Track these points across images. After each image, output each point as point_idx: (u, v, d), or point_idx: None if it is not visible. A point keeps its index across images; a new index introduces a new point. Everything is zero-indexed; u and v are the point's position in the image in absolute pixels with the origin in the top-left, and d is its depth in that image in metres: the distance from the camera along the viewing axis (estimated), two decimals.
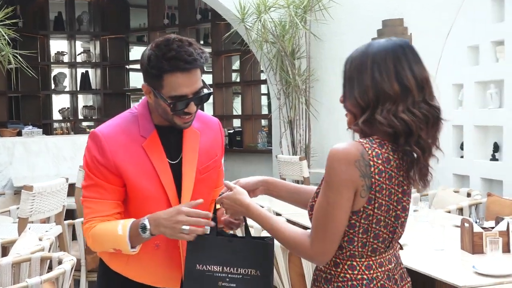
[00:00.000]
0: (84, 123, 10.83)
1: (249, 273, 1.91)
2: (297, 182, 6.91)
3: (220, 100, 9.48)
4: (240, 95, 9.66)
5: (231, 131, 9.20)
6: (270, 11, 6.67)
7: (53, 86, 10.42)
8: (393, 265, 1.78)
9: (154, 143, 2.02)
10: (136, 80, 10.80)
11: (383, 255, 1.76)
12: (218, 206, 2.02)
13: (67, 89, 10.76)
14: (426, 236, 3.53)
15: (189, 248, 1.95)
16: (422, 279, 2.95)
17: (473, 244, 3.16)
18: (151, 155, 2.01)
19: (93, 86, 10.77)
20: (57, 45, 10.91)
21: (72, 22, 10.51)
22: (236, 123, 10.06)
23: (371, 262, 1.74)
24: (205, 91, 1.99)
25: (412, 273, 3.17)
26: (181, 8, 9.95)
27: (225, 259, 1.92)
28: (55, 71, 10.80)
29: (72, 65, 10.66)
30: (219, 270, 1.92)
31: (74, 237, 4.48)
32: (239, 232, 2.53)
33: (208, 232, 1.92)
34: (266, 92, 9.71)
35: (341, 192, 1.65)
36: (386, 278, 1.75)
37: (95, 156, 1.98)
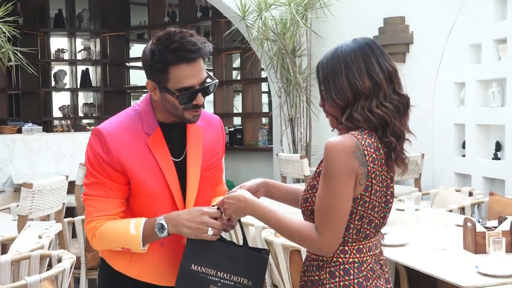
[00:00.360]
0: (85, 121, 10.82)
1: (242, 281, 1.94)
2: (298, 180, 6.90)
3: (220, 98, 9.46)
4: (240, 93, 9.64)
5: (232, 129, 9.18)
6: (271, 8, 6.65)
7: (53, 84, 10.40)
8: (379, 250, 1.89)
9: (158, 140, 2.01)
10: (137, 77, 10.78)
11: (372, 240, 1.86)
12: (213, 203, 2.03)
13: (67, 86, 10.74)
14: (428, 235, 3.51)
15: (188, 247, 1.95)
16: (424, 279, 2.94)
17: (476, 243, 3.13)
18: (155, 152, 1.99)
19: (94, 84, 10.75)
20: (57, 42, 10.89)
21: (72, 19, 10.49)
22: (237, 121, 10.04)
23: (361, 246, 1.83)
24: (211, 81, 1.98)
25: (414, 272, 3.15)
26: (182, 5, 9.93)
27: (220, 264, 1.94)
28: (55, 68, 10.78)
29: (73, 62, 10.64)
30: (213, 273, 1.94)
31: (74, 235, 4.46)
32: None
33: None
34: (266, 90, 9.69)
35: (344, 181, 1.74)
36: (374, 262, 1.85)
37: (99, 153, 1.95)
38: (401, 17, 6.33)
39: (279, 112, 7.25)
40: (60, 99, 11.16)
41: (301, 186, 2.15)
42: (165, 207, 1.98)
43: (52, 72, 10.48)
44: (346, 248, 1.82)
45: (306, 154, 6.80)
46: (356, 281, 1.81)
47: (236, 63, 10.82)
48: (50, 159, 6.66)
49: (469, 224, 3.20)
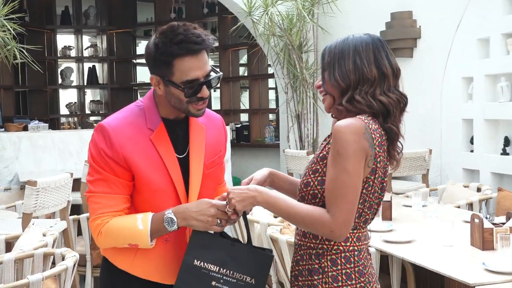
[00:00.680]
0: (92, 118, 10.82)
1: (244, 279, 1.93)
2: None
3: (227, 94, 9.43)
4: (247, 89, 9.62)
5: (239, 126, 9.15)
6: (277, 4, 6.61)
7: (60, 81, 10.40)
8: (368, 240, 1.94)
9: (161, 135, 2.00)
10: (143, 74, 10.77)
11: (365, 229, 1.91)
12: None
13: (74, 83, 10.74)
14: (435, 231, 3.49)
15: (191, 242, 1.94)
16: (431, 275, 2.91)
17: (483, 240, 3.10)
18: (159, 148, 1.98)
19: (100, 81, 10.76)
20: (64, 39, 10.90)
21: (79, 16, 10.49)
22: (244, 117, 10.02)
23: (359, 234, 1.88)
24: (215, 74, 1.98)
25: (420, 269, 3.12)
26: (188, 1, 9.92)
27: (223, 261, 1.93)
28: (62, 65, 10.79)
29: (79, 59, 10.64)
30: (216, 270, 1.93)
31: (79, 232, 4.46)
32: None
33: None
34: (273, 86, 9.65)
35: (357, 160, 1.77)
36: (366, 251, 1.92)
37: (103, 149, 1.94)
38: (409, 11, 6.28)
39: (286, 108, 7.22)
40: (67, 97, 11.17)
41: None
42: (168, 203, 1.97)
43: (59, 70, 10.49)
44: (348, 235, 1.85)
45: (313, 150, 6.76)
46: (356, 269, 1.85)
47: (243, 59, 10.79)
48: (56, 156, 6.65)
49: (476, 220, 3.16)
